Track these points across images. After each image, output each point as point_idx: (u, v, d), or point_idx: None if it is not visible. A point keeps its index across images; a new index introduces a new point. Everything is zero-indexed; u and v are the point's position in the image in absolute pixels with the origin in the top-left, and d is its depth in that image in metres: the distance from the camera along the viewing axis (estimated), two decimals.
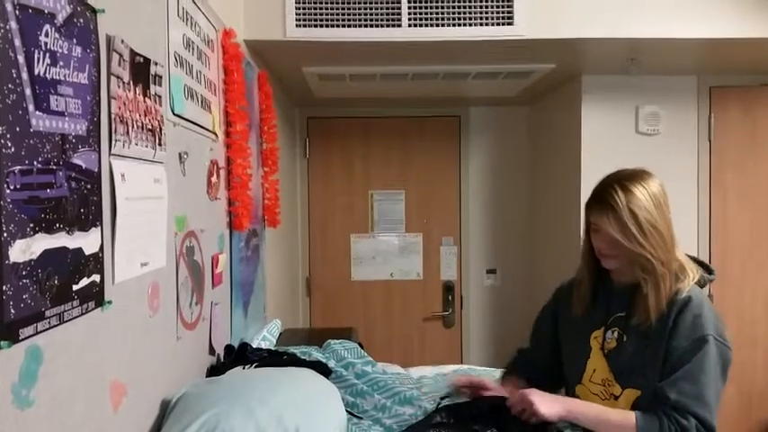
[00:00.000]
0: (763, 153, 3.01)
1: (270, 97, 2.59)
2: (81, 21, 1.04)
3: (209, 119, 1.81)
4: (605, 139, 2.99)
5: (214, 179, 1.85)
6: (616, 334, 1.58)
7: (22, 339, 0.86)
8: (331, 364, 2.03)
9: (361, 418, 1.81)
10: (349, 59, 2.71)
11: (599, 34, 2.37)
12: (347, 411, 1.73)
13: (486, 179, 3.93)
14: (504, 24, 2.34)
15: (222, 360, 1.85)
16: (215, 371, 1.72)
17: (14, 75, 0.84)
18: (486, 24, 2.33)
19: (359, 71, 2.87)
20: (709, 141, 3.00)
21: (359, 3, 2.32)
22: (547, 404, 1.48)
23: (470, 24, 2.33)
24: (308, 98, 3.52)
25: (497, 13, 2.33)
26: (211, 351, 1.80)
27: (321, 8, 2.32)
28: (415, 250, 3.90)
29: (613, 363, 1.55)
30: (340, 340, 2.18)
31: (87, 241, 1.05)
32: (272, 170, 2.61)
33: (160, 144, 1.39)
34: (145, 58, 1.30)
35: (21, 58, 0.86)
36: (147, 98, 1.31)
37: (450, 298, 3.91)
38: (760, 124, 3.01)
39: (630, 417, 1.45)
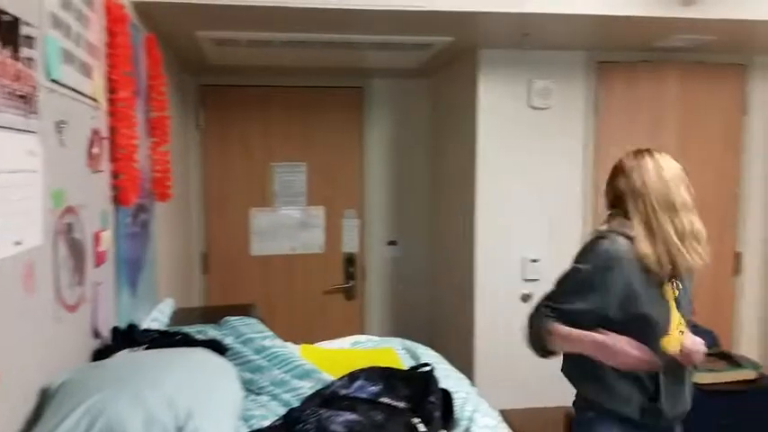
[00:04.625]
0: (643, 124, 3.21)
1: (159, 63, 2.45)
2: None
3: (91, 85, 1.68)
4: (500, 113, 3.07)
5: (96, 150, 1.72)
6: (674, 283, 1.84)
7: None
8: (229, 341, 1.98)
9: (258, 394, 1.78)
10: (245, 24, 2.61)
11: (494, 8, 2.41)
12: (244, 388, 1.70)
13: (388, 151, 3.94)
14: None
15: (108, 343, 1.75)
16: (100, 355, 1.63)
17: None
18: None
19: (256, 37, 2.77)
20: (596, 114, 3.15)
21: None
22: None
23: None
24: (203, 65, 3.37)
25: None
26: (96, 334, 1.70)
27: None
28: (317, 223, 3.87)
29: (680, 308, 1.84)
30: (239, 317, 2.13)
31: None
32: (161, 141, 2.48)
33: (34, 112, 1.28)
34: (13, 16, 1.18)
35: None
36: (17, 62, 1.20)
37: (351, 270, 3.92)
38: (641, 98, 3.20)
39: None
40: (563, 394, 3.28)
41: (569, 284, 1.92)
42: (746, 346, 3.42)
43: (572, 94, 3.13)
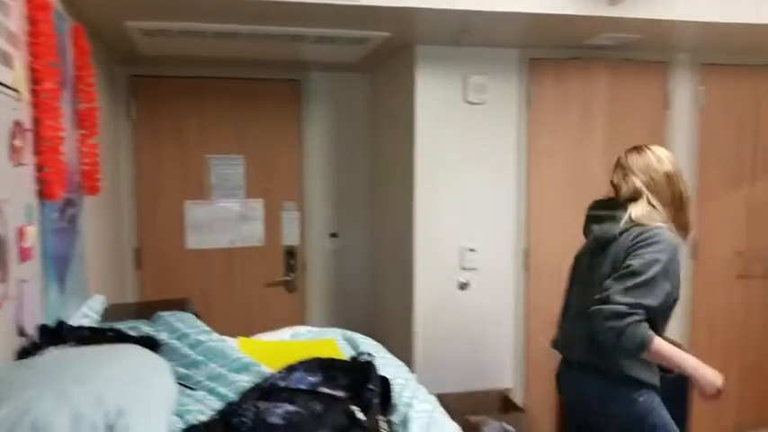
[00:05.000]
0: (574, 119, 3.33)
1: (86, 53, 2.36)
2: None
3: (11, 75, 1.61)
4: (437, 108, 3.12)
5: (18, 143, 1.65)
6: None
7: None
8: (163, 336, 1.94)
9: (194, 389, 1.75)
10: (176, 14, 2.55)
11: (429, 4, 2.44)
12: (179, 383, 1.67)
13: (327, 144, 3.94)
14: None
15: (35, 341, 1.69)
16: (25, 353, 1.57)
17: None
18: None
19: (187, 27, 2.71)
20: (528, 108, 3.25)
21: None
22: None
23: None
24: (134, 55, 3.26)
25: None
26: (21, 332, 1.64)
27: None
28: (256, 216, 3.83)
29: None
30: (172, 312, 2.09)
31: None
32: (90, 133, 2.40)
33: None
34: None
35: None
36: None
37: (292, 263, 3.90)
38: (571, 93, 3.31)
39: None
40: (496, 378, 3.40)
41: (654, 278, 1.91)
42: (670, 328, 3.60)
43: (506, 90, 3.21)
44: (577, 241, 3.36)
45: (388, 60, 3.50)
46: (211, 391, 1.74)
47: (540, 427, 3.29)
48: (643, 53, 3.39)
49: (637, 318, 1.86)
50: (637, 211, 2.04)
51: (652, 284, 1.90)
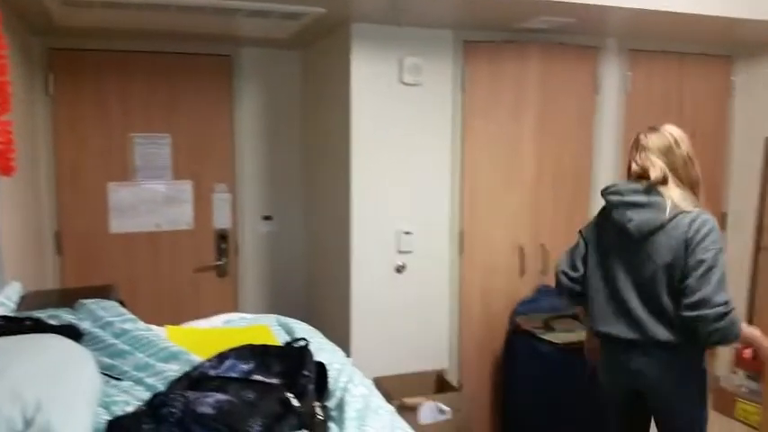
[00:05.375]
0: (508, 102, 3.36)
1: None
2: None
3: None
4: (373, 89, 3.08)
5: None
6: None
7: None
8: (86, 325, 1.84)
9: (120, 380, 1.67)
10: None
11: None
12: (104, 374, 1.59)
13: (260, 123, 3.83)
14: None
15: None
16: None
17: None
18: None
19: None
20: (463, 91, 3.26)
21: None
22: None
23: None
24: (51, 26, 3.06)
25: None
26: None
27: None
28: (184, 198, 3.69)
29: None
30: (95, 299, 1.98)
31: None
32: (3, 109, 2.22)
33: None
34: None
35: None
36: None
37: (224, 247, 3.80)
38: (505, 76, 3.35)
39: None
40: (432, 359, 3.43)
41: (723, 266, 2.03)
42: None
43: (441, 72, 3.20)
44: (511, 223, 3.43)
45: (322, 38, 3.42)
46: (138, 382, 1.66)
47: (475, 405, 3.35)
48: (575, 38, 3.46)
49: (733, 313, 1.99)
50: (676, 196, 2.10)
51: (725, 273, 2.02)
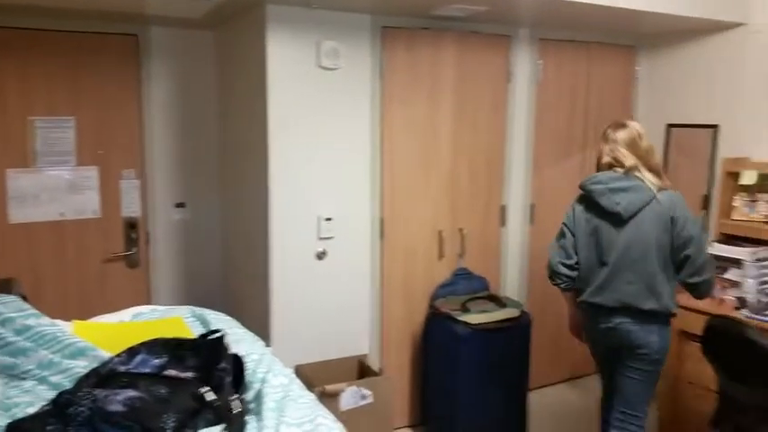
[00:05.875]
0: (424, 89, 3.39)
1: None
2: None
3: None
4: (290, 72, 3.02)
5: None
6: None
7: None
8: None
9: (23, 379, 1.58)
10: None
11: None
12: (5, 374, 1.50)
13: (171, 106, 3.68)
14: None
15: None
16: None
17: None
18: None
19: None
20: (381, 76, 3.25)
21: None
22: None
23: None
24: None
25: None
26: None
27: None
28: (89, 186, 3.50)
29: None
30: None
31: None
32: None
33: None
34: None
35: None
36: None
37: (134, 236, 3.64)
38: (421, 63, 3.37)
39: None
40: (354, 345, 3.45)
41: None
42: (510, 287, 3.87)
43: (359, 57, 3.18)
44: (430, 207, 3.48)
45: (237, 18, 3.32)
46: (42, 380, 1.58)
47: (396, 388, 3.40)
48: (488, 26, 3.53)
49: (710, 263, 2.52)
50: (651, 178, 2.46)
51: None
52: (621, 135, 2.51)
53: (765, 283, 3.27)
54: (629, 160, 2.48)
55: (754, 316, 2.95)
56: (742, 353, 2.60)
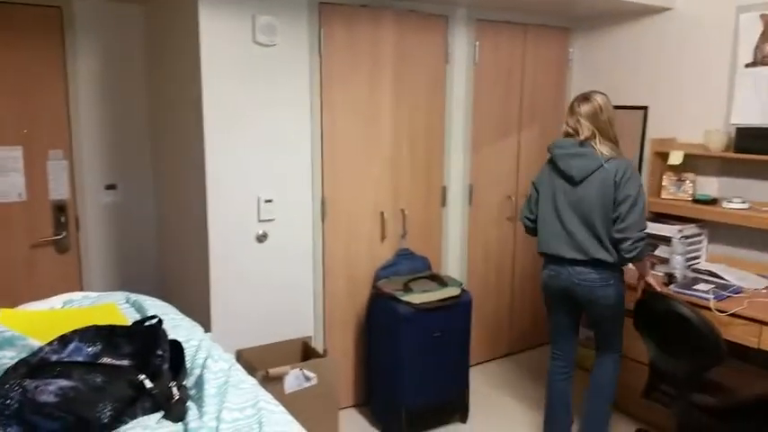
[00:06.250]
0: (365, 68, 3.36)
1: None
2: None
3: None
4: (225, 48, 2.92)
5: None
6: None
7: None
8: None
9: None
10: None
11: None
12: None
13: (100, 84, 3.51)
14: None
15: None
16: None
17: None
18: None
19: None
20: (320, 55, 3.20)
21: None
22: None
23: None
24: None
25: None
26: None
27: None
28: (12, 167, 3.30)
29: None
30: None
31: None
32: None
33: None
34: None
35: None
36: None
37: (63, 219, 3.47)
38: (361, 41, 3.33)
39: None
40: (297, 327, 3.42)
41: (643, 202, 2.73)
42: (452, 267, 3.93)
43: (296, 33, 3.11)
44: (371, 188, 3.47)
45: None
46: None
47: (341, 369, 3.40)
48: (426, 5, 3.52)
49: (646, 239, 2.75)
50: (603, 148, 2.75)
51: (644, 208, 2.72)
52: (584, 108, 2.79)
53: (691, 259, 3.43)
54: (586, 132, 2.78)
55: (681, 291, 3.09)
56: (671, 326, 2.73)
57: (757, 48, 3.32)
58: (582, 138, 2.78)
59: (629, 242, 2.67)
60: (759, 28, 3.31)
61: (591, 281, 2.80)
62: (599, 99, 2.81)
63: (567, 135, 2.85)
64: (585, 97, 2.83)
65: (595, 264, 2.78)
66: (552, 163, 2.91)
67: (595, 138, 2.76)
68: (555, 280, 2.91)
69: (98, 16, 3.45)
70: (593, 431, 3.00)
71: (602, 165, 2.72)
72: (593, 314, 2.90)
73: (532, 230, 3.05)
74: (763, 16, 3.29)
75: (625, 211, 2.67)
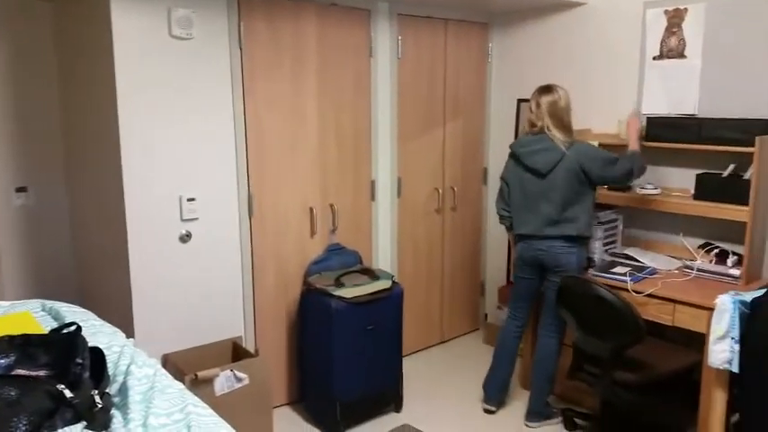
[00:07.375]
0: (288, 62, 3.31)
1: None
2: None
3: None
4: (140, 42, 2.80)
5: None
6: None
7: None
8: None
9: None
10: None
11: None
12: None
13: (6, 83, 3.30)
14: None
15: None
16: None
17: None
18: None
19: None
20: (241, 49, 3.13)
21: None
22: None
23: None
24: None
25: None
26: None
27: None
28: None
29: None
30: None
31: None
32: None
33: None
34: None
35: None
36: None
37: None
38: (283, 35, 3.28)
39: None
40: (227, 327, 3.35)
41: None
42: (382, 260, 3.95)
43: (215, 27, 3.03)
44: (299, 184, 3.43)
45: None
46: None
47: (273, 368, 3.35)
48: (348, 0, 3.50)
49: (634, 164, 3.10)
50: (561, 136, 3.08)
51: (609, 158, 3.09)
52: (545, 99, 3.12)
53: (609, 243, 3.60)
54: (540, 122, 3.12)
55: (600, 274, 3.24)
56: (593, 309, 2.85)
57: (663, 42, 3.51)
58: (537, 129, 3.13)
59: (625, 179, 3.14)
60: (663, 23, 3.50)
61: (557, 249, 3.14)
62: (559, 90, 3.14)
63: (530, 125, 3.18)
64: (547, 88, 3.15)
65: (563, 237, 3.13)
66: (516, 158, 3.24)
67: (551, 128, 3.09)
68: (527, 250, 3.25)
69: (2, 12, 3.24)
70: (538, 398, 3.35)
71: (565, 153, 3.05)
72: (555, 279, 3.16)
73: (509, 220, 3.35)
74: (666, 12, 3.48)
75: (607, 180, 3.16)
